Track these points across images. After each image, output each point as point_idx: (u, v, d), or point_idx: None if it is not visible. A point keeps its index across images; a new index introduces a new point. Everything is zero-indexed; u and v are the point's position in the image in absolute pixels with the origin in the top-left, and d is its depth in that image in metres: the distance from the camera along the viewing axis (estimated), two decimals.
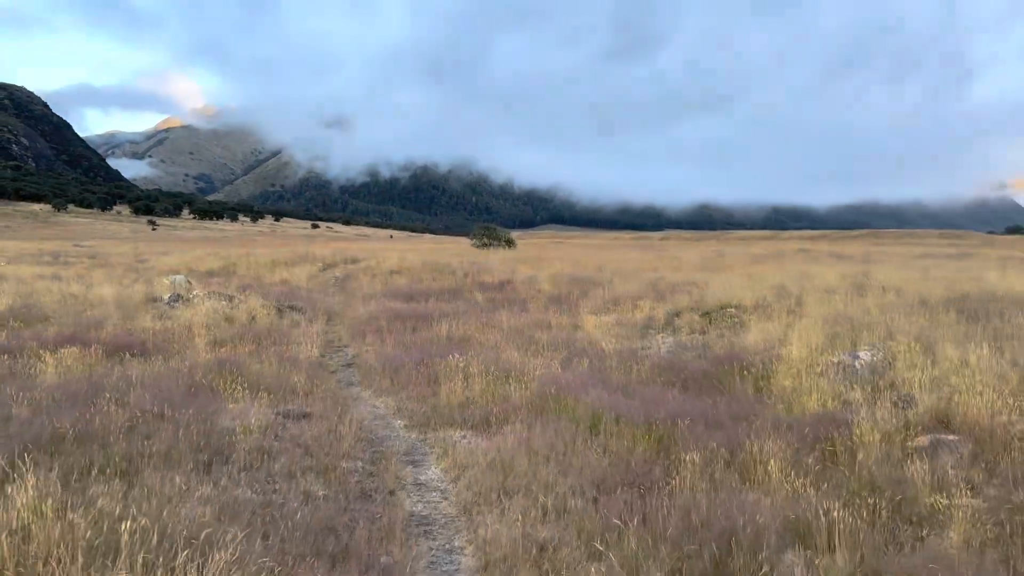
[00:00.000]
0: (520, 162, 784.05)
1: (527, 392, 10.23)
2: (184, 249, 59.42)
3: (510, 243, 62.45)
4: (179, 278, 24.09)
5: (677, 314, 18.07)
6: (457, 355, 12.19)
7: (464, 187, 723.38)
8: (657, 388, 10.03)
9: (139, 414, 7.88)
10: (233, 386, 9.93)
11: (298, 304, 20.18)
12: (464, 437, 9.01)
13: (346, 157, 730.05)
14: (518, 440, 8.08)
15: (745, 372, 10.43)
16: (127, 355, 12.00)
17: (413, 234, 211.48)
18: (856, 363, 10.59)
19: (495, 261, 36.96)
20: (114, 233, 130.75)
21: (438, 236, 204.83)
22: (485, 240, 62.02)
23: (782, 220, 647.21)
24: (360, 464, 7.89)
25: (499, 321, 17.10)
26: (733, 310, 17.15)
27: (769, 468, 6.76)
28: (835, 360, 10.76)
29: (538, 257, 43.33)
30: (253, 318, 17.02)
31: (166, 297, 20.17)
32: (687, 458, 6.89)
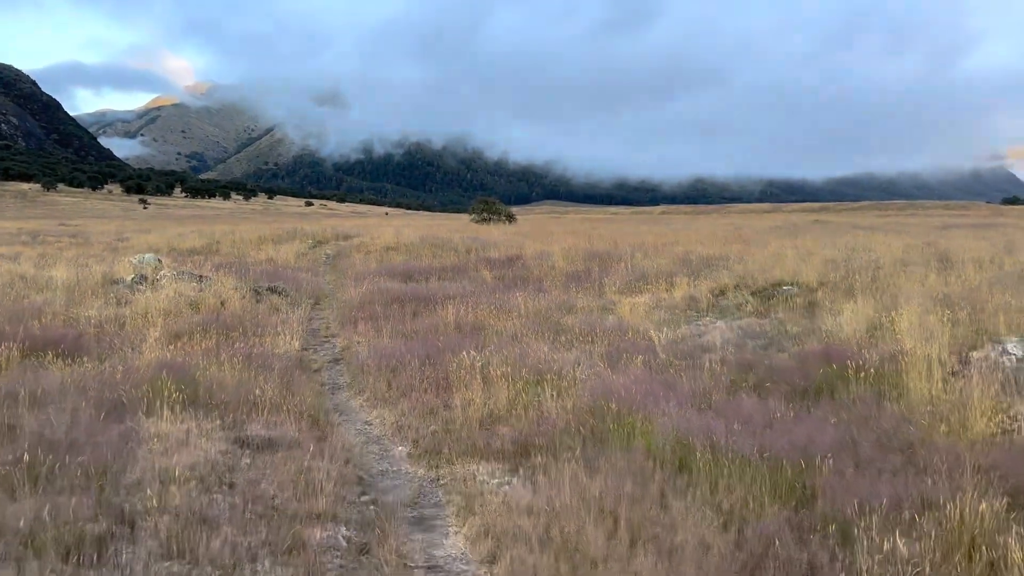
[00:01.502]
0: (515, 138, 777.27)
1: (571, 403, 7.60)
2: (170, 227, 56.55)
3: (510, 217, 59.69)
4: (148, 257, 21.40)
5: (721, 293, 15.47)
6: (472, 350, 9.57)
7: (459, 163, 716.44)
8: (749, 399, 7.38)
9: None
10: (173, 403, 7.28)
11: (280, 285, 17.51)
12: (494, 476, 6.37)
13: (340, 134, 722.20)
14: (578, 491, 5.44)
15: (860, 374, 7.79)
16: (51, 355, 9.34)
17: (408, 211, 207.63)
18: (1005, 359, 7.97)
19: (498, 236, 34.33)
20: (104, 212, 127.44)
21: (433, 213, 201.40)
22: (485, 215, 59.24)
23: (777, 193, 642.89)
24: (343, 533, 5.23)
25: (515, 304, 14.46)
26: (791, 288, 14.53)
27: (1011, 555, 4.14)
28: (978, 355, 8.13)
29: (543, 231, 40.69)
30: (223, 303, 14.34)
31: (129, 279, 17.48)
32: (886, 547, 4.23)
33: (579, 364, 9.29)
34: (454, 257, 24.37)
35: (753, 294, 14.72)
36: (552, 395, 7.88)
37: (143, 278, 17.63)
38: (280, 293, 16.78)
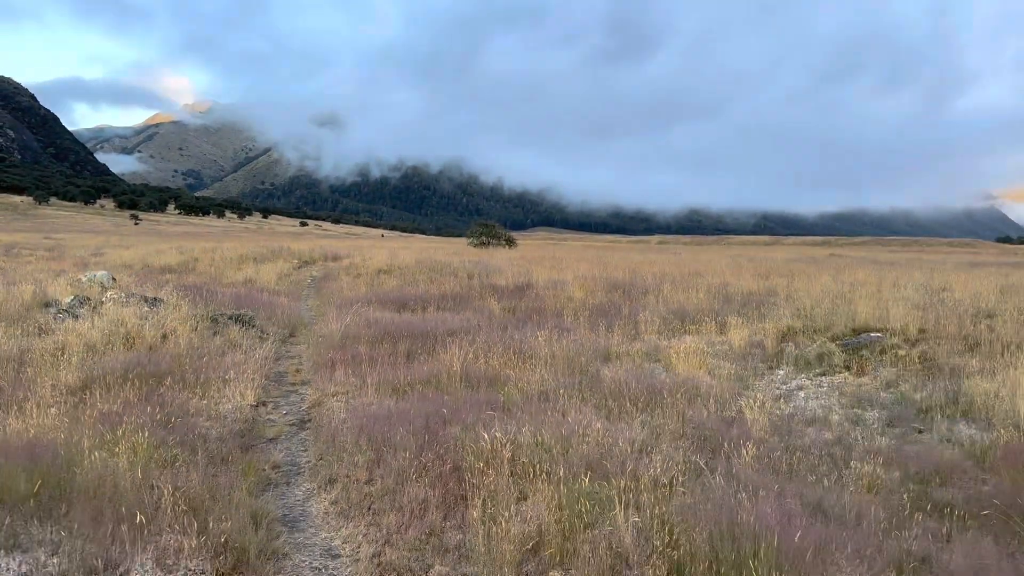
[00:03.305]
0: (511, 164, 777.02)
1: (668, 538, 4.60)
2: (155, 243, 53.52)
3: (510, 242, 56.91)
4: (100, 275, 18.38)
5: (786, 337, 12.53)
6: (494, 427, 6.59)
7: (455, 188, 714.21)
8: (968, 543, 4.41)
9: None
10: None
11: (247, 313, 14.49)
12: None
13: (337, 156, 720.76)
14: None
15: None
16: None
17: (404, 233, 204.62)
18: None
19: (501, 261, 31.39)
20: (93, 227, 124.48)
21: (429, 236, 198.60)
22: (484, 238, 56.39)
23: (771, 227, 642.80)
24: None
25: (535, 345, 11.52)
26: (879, 335, 11.57)
27: None
28: None
29: (547, 257, 37.75)
30: (165, 336, 11.32)
31: (66, 301, 14.49)
32: None
33: (652, 450, 6.32)
34: (454, 283, 21.39)
35: (834, 341, 11.78)
36: (630, 514, 4.89)
37: (84, 301, 14.64)
38: (246, 323, 13.77)
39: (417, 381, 9.58)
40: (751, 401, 7.81)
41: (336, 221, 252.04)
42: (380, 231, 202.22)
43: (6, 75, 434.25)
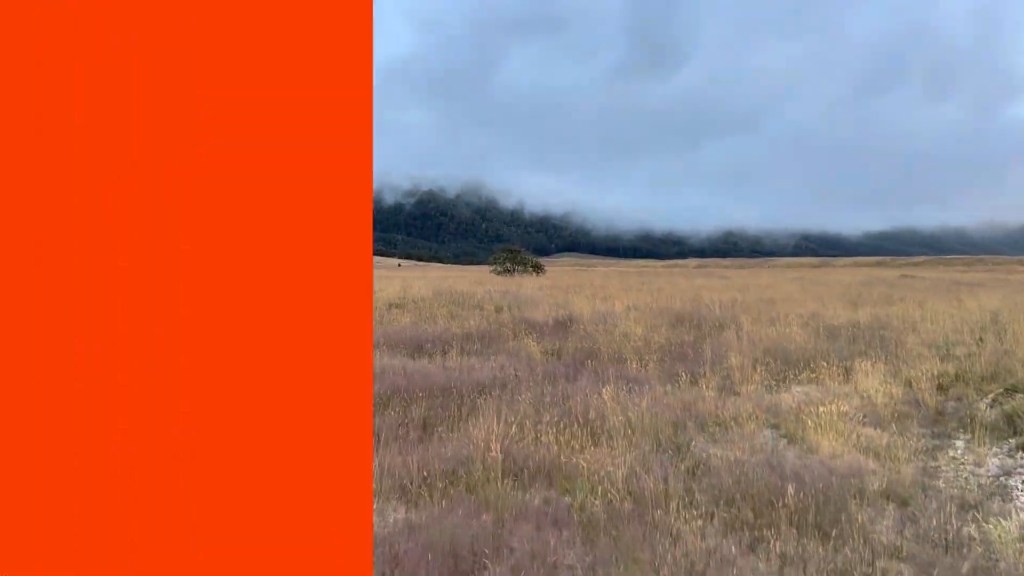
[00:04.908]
0: (531, 186, 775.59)
1: None
2: None
3: (538, 268, 53.65)
4: None
5: (946, 388, 9.19)
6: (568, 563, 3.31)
7: (473, 213, 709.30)
8: None
9: None
10: None
11: None
12: None
13: None
14: None
15: None
16: None
17: (420, 262, 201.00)
18: None
19: (531, 290, 28.15)
20: None
21: (447, 264, 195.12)
22: (508, 265, 53.11)
23: (812, 248, 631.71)
24: None
25: (598, 405, 8.24)
26: None
27: None
28: None
29: (583, 285, 34.49)
30: None
31: None
32: None
33: None
34: (480, 319, 18.02)
35: (1012, 392, 8.39)
36: None
37: None
38: None
39: (438, 473, 6.32)
40: (986, 516, 4.48)
41: None
42: (396, 260, 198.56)
43: None
